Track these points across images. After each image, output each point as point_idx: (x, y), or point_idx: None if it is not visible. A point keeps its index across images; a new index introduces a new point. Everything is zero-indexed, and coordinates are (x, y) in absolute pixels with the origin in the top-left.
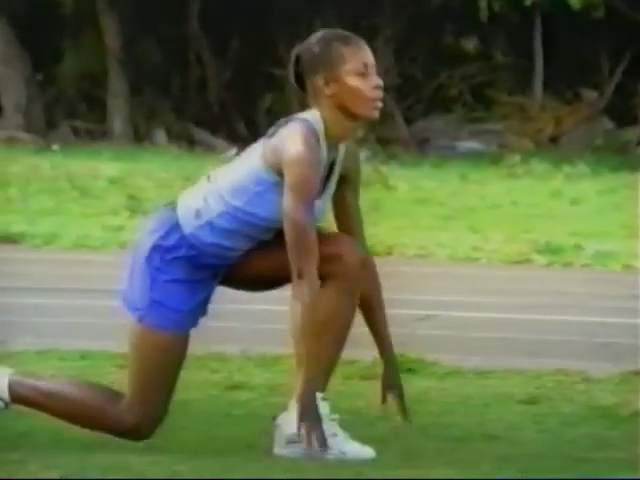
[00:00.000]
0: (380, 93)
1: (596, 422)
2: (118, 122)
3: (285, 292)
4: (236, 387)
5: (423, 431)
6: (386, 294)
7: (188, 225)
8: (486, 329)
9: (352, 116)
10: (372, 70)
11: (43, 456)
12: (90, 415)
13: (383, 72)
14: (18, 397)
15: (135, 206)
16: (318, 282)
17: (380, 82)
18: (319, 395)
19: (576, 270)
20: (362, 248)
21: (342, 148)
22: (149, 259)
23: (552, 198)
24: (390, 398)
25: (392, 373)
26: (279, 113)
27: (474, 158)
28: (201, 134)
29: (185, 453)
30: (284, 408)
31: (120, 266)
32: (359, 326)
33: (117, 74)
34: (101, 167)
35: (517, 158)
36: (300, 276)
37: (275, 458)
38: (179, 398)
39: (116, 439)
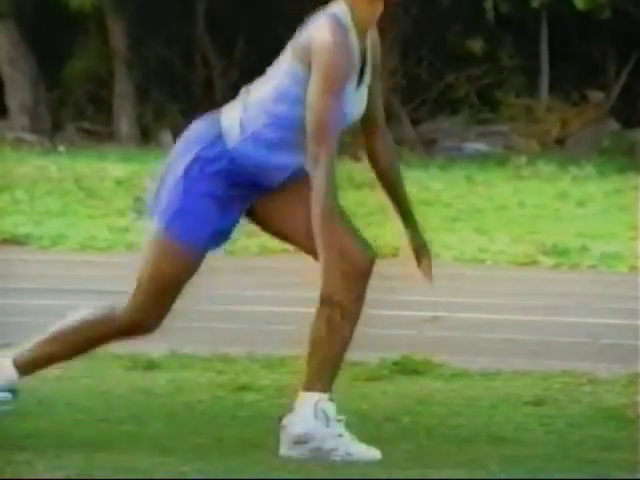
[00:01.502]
0: None
1: (602, 423)
2: (124, 123)
3: (290, 293)
4: (242, 388)
5: (430, 432)
6: (393, 296)
7: (232, 138)
8: (493, 330)
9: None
10: None
11: (50, 457)
12: (101, 330)
13: (389, 73)
14: (28, 365)
15: (141, 207)
16: (333, 169)
17: None
18: (325, 395)
19: (582, 271)
20: (383, 130)
21: (371, 34)
22: (188, 169)
23: (558, 199)
24: (423, 265)
25: (420, 240)
26: None
27: (480, 159)
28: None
29: (191, 454)
30: (290, 409)
31: (126, 267)
32: (362, 327)
33: (123, 75)
34: (107, 168)
35: (523, 160)
36: (317, 162)
37: (282, 459)
38: (185, 399)
39: (121, 441)
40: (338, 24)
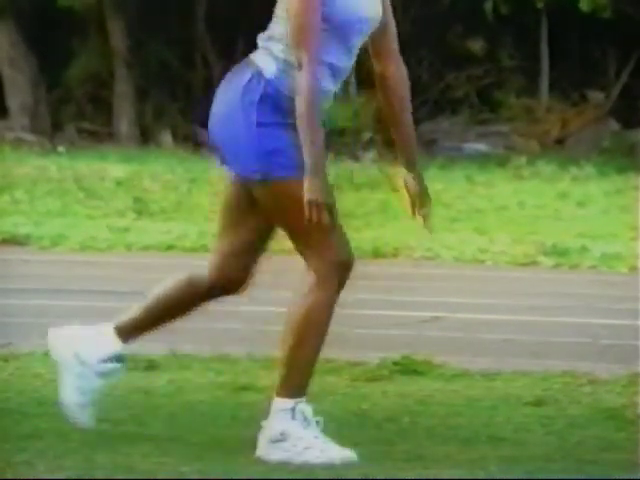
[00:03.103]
0: None
1: (603, 424)
2: (124, 124)
3: (289, 293)
4: (242, 389)
5: (430, 433)
6: (393, 296)
7: (269, 71)
8: (493, 331)
9: None
10: None
11: (50, 457)
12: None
13: None
14: (131, 331)
15: (141, 208)
16: (316, 73)
17: None
18: (300, 400)
19: (582, 272)
20: (396, 50)
21: None
22: (246, 117)
23: (559, 200)
24: (422, 215)
25: (420, 181)
26: None
27: (480, 160)
28: (207, 136)
29: (191, 454)
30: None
31: (126, 267)
32: (364, 328)
33: (123, 76)
34: (107, 169)
35: (523, 160)
36: (300, 67)
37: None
38: (185, 399)
39: (121, 441)
40: None
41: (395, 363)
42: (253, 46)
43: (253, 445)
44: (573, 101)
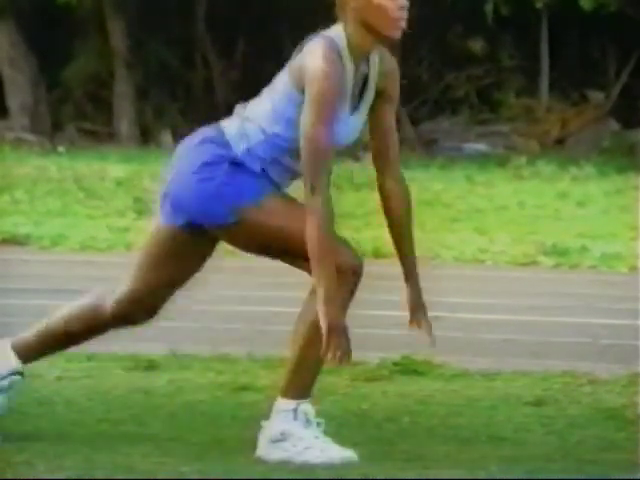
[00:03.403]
0: (405, 14)
1: (602, 424)
2: (124, 124)
3: (290, 294)
4: (242, 389)
5: (430, 433)
6: (393, 296)
7: (234, 147)
8: (493, 331)
9: (374, 32)
10: None
11: (50, 457)
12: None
13: None
14: (29, 353)
15: (141, 208)
16: (331, 197)
17: (406, 3)
18: (303, 400)
19: (582, 272)
20: (397, 169)
21: (374, 61)
22: (202, 176)
23: (559, 200)
24: (417, 322)
25: (419, 297)
26: None
27: (480, 160)
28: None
29: (191, 454)
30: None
31: (126, 267)
32: (364, 328)
33: (123, 76)
34: (107, 169)
35: (523, 160)
36: (313, 191)
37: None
38: (185, 399)
39: (121, 441)
40: (332, 49)
41: (395, 363)
42: (253, 46)
43: (253, 445)
44: (573, 101)
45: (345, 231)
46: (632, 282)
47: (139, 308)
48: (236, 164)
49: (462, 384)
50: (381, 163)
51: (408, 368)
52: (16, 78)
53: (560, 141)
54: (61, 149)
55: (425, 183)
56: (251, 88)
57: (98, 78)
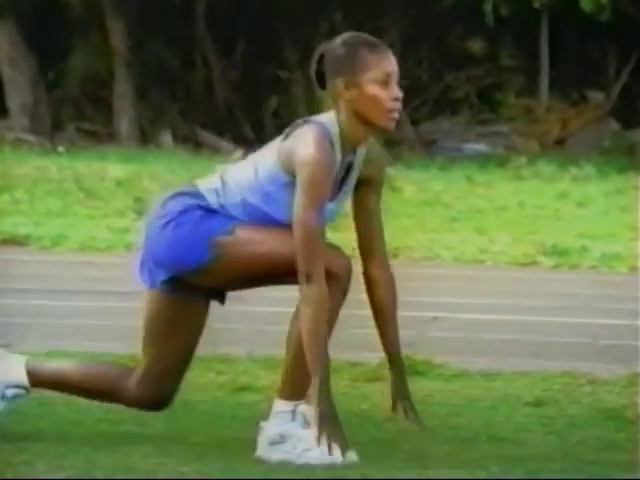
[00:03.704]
0: (398, 105)
1: (602, 424)
2: (124, 124)
3: (290, 293)
4: (242, 389)
5: (430, 433)
6: None
7: (208, 200)
8: (493, 331)
9: (367, 123)
10: (394, 80)
11: (50, 457)
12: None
13: None
14: (38, 381)
15: (141, 208)
16: (325, 285)
17: (400, 94)
18: (301, 402)
19: (582, 272)
20: (382, 256)
21: (361, 151)
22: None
23: (559, 200)
24: (400, 409)
25: (402, 385)
26: (285, 115)
27: (480, 160)
28: (207, 136)
29: (191, 455)
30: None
31: (126, 268)
32: (364, 328)
33: (123, 76)
34: (107, 169)
35: (523, 160)
36: (309, 280)
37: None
38: (184, 399)
39: (121, 441)
40: (324, 135)
41: None
42: (253, 47)
43: (253, 445)
44: (573, 101)
45: (345, 231)
46: (632, 282)
47: (155, 390)
48: (210, 211)
49: (462, 384)
50: (366, 250)
51: (408, 368)
52: (16, 78)
53: (560, 141)
54: (61, 149)
55: (425, 183)
56: (251, 88)
57: (98, 78)
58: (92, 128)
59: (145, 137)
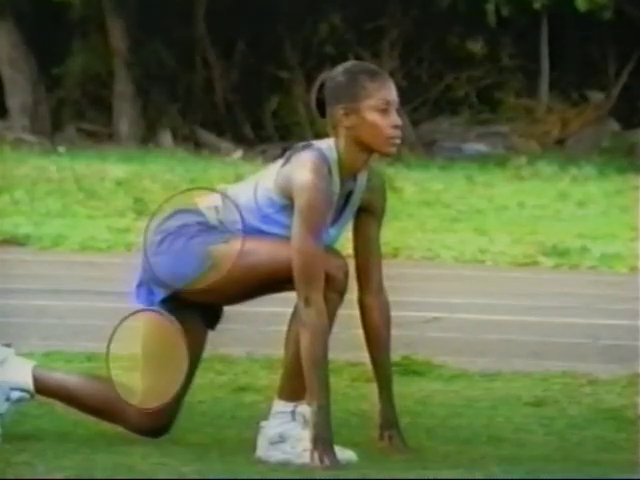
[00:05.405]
0: (398, 132)
1: (602, 424)
2: (124, 124)
3: (289, 294)
4: (242, 389)
5: (430, 433)
6: (392, 296)
7: (208, 217)
8: (492, 331)
9: (367, 150)
10: (393, 108)
11: (49, 457)
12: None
13: (388, 74)
14: (42, 389)
15: (141, 208)
16: (325, 308)
17: (399, 121)
18: (301, 402)
19: (582, 272)
20: (378, 284)
21: (362, 179)
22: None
23: (559, 200)
24: (386, 439)
25: (390, 413)
26: (285, 115)
27: (480, 160)
28: (207, 136)
29: (191, 455)
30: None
31: (126, 268)
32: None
33: (123, 76)
34: (107, 169)
35: (523, 160)
36: (307, 304)
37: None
38: (185, 400)
39: (121, 441)
40: (323, 161)
41: (395, 364)
42: (253, 47)
43: (253, 445)
44: (573, 101)
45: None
46: (632, 282)
47: (154, 420)
48: (208, 226)
49: (462, 384)
50: (362, 277)
51: (408, 369)
52: (16, 78)
53: (560, 141)
54: (61, 149)
55: (425, 183)
56: (251, 88)
57: (98, 78)
58: (92, 128)
59: (145, 137)
